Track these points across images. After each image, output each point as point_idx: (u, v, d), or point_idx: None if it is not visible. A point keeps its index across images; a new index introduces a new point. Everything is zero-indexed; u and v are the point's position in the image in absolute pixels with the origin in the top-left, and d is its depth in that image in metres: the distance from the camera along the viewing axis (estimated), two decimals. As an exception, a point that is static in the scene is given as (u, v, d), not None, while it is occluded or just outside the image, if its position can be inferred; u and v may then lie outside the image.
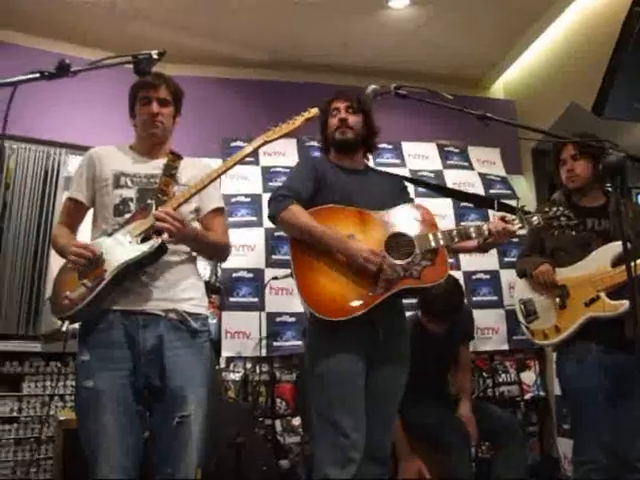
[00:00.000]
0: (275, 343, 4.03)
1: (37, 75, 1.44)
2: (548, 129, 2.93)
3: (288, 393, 4.04)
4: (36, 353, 3.94)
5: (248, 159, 2.58)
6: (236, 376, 3.93)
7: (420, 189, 4.48)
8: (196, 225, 2.17)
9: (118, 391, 1.90)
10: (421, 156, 4.89)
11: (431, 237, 2.20)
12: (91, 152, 2.20)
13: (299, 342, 3.91)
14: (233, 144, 4.36)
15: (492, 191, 4.76)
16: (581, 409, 2.51)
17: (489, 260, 4.42)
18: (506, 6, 4.24)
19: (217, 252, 2.28)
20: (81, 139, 3.98)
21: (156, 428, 1.98)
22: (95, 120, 4.20)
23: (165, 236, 1.95)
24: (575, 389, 2.53)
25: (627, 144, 2.03)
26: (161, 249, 1.96)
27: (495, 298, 4.45)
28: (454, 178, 4.80)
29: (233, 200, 4.26)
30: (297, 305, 2.86)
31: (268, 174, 4.45)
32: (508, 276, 4.33)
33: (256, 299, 4.10)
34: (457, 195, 4.60)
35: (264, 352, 3.99)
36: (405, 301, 2.43)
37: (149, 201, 2.03)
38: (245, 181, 4.40)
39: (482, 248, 2.32)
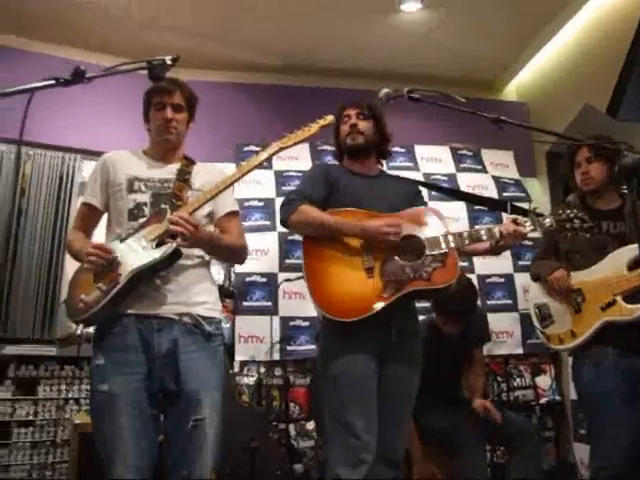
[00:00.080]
0: (289, 347, 4.03)
1: (53, 82, 1.44)
2: (562, 131, 2.91)
3: (302, 397, 4.04)
4: (51, 357, 3.99)
5: (261, 164, 2.59)
6: (250, 380, 3.93)
7: (434, 193, 4.47)
8: (211, 228, 2.17)
9: (133, 395, 1.91)
10: (434, 159, 4.88)
11: (442, 239, 2.20)
12: (105, 157, 2.21)
13: (313, 346, 3.90)
14: (246, 149, 4.37)
15: (506, 194, 4.74)
16: (598, 413, 2.47)
17: (503, 263, 4.41)
18: (518, 8, 4.22)
19: (233, 254, 2.27)
20: (95, 145, 4.00)
21: (171, 432, 1.98)
22: (109, 126, 4.24)
23: (179, 240, 1.95)
24: (592, 393, 2.50)
25: (642, 146, 2.01)
26: (175, 254, 1.96)
27: (509, 302, 4.43)
28: (467, 181, 4.79)
29: (246, 204, 4.26)
30: (311, 309, 2.86)
31: (281, 178, 4.46)
32: (522, 279, 4.31)
33: (270, 303, 4.11)
34: (470, 198, 4.58)
35: (277, 356, 4.00)
36: (418, 305, 2.43)
37: (163, 206, 2.04)
38: (258, 185, 4.41)
39: (494, 251, 2.31)
